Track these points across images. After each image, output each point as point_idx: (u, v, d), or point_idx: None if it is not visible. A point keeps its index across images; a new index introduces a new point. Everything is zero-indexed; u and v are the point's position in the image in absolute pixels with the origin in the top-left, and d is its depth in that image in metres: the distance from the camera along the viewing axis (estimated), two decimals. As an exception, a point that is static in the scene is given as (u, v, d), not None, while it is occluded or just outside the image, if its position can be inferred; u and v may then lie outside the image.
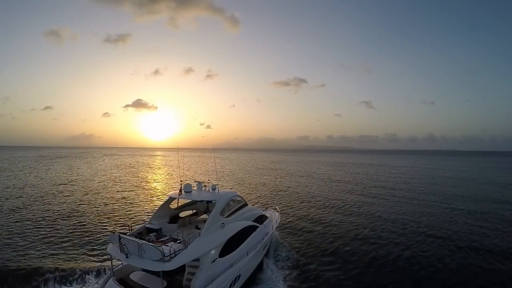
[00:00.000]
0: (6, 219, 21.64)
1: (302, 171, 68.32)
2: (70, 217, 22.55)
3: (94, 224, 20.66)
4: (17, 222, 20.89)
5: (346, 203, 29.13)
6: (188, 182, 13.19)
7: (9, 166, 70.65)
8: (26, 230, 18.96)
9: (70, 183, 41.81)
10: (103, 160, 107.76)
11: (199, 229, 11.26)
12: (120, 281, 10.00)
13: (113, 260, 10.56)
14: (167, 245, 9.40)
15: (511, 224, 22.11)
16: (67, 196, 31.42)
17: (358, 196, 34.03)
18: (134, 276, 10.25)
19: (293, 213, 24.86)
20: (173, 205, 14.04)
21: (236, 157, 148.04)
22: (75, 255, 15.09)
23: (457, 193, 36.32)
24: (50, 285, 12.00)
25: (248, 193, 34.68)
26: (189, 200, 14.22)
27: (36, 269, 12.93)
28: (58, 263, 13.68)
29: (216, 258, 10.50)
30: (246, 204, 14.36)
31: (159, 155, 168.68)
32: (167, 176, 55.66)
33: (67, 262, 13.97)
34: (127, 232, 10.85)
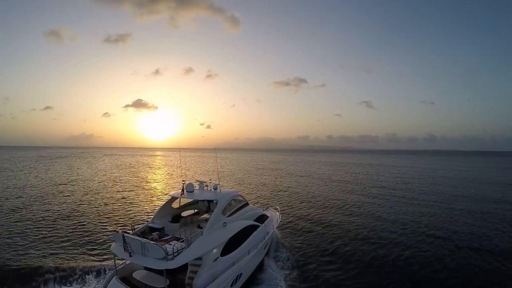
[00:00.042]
0: (6, 219, 21.66)
1: (302, 171, 68.34)
2: (70, 217, 22.56)
3: (94, 224, 20.67)
4: (17, 222, 20.91)
5: (346, 203, 29.14)
6: (190, 182, 13.26)
7: (9, 166, 70.68)
8: (26, 230, 18.97)
9: (70, 183, 41.82)
10: (103, 160, 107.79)
11: (201, 228, 11.34)
12: (123, 279, 10.08)
13: (116, 259, 10.63)
14: (170, 244, 9.48)
15: (511, 224, 22.13)
16: (67, 196, 31.44)
17: (358, 196, 34.04)
18: (137, 275, 10.31)
19: (293, 213, 24.88)
20: (175, 204, 14.11)
21: (236, 157, 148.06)
22: (75, 255, 15.09)
23: (457, 193, 36.34)
24: (50, 285, 12.00)
25: (248, 193, 34.68)
26: (191, 200, 14.28)
27: (36, 268, 12.95)
28: (58, 263, 13.69)
29: (218, 257, 10.58)
30: (247, 204, 14.44)
31: (159, 155, 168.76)
32: (168, 176, 55.68)
33: (67, 262, 13.98)
34: (130, 231, 10.95)
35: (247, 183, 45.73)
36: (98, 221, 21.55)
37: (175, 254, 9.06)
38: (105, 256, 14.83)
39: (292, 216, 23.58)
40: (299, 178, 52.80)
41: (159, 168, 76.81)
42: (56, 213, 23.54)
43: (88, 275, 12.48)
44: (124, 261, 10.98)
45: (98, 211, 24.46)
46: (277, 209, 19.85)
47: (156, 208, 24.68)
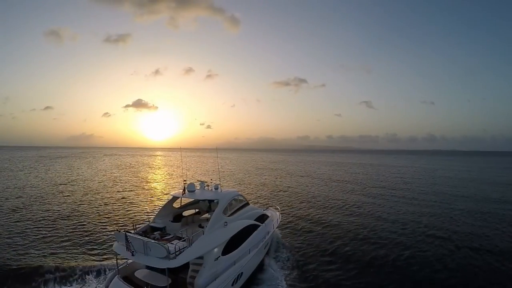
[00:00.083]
0: (6, 219, 21.65)
1: (302, 171, 68.34)
2: (70, 217, 22.56)
3: (94, 224, 20.67)
4: (17, 222, 20.90)
5: (346, 203, 29.14)
6: (190, 181, 13.29)
7: (9, 166, 70.65)
8: (26, 230, 18.97)
9: (70, 183, 41.82)
10: (104, 160, 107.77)
11: (202, 227, 11.38)
12: (125, 278, 10.12)
13: (117, 258, 10.67)
14: (172, 243, 9.52)
15: (511, 224, 22.14)
16: (67, 196, 31.43)
17: (358, 196, 34.04)
18: (139, 274, 10.35)
19: (293, 213, 24.88)
20: (176, 204, 14.13)
21: (237, 157, 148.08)
22: (75, 255, 15.09)
23: (457, 193, 36.34)
24: (50, 284, 11.99)
25: (249, 193, 34.68)
26: (192, 200, 14.32)
27: (36, 268, 12.94)
28: (58, 263, 13.69)
29: (219, 256, 10.62)
30: (247, 204, 14.47)
31: (159, 155, 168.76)
32: (168, 176, 55.69)
33: (67, 262, 13.97)
34: (132, 231, 11.00)
35: (247, 183, 45.74)
36: (98, 221, 21.55)
37: (177, 253, 9.11)
38: (105, 256, 14.83)
39: (292, 216, 23.59)
40: (299, 178, 52.81)
41: (159, 168, 76.80)
42: (56, 213, 23.54)
43: (88, 275, 12.47)
44: (125, 260, 11.00)
45: (98, 211, 24.46)
46: (277, 209, 19.88)
47: (156, 208, 24.70)
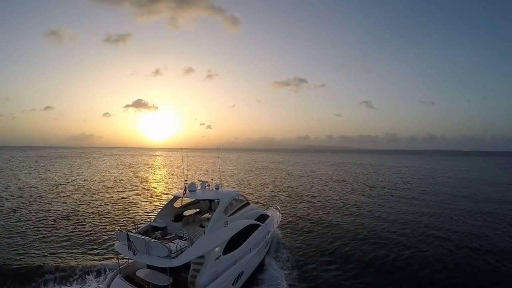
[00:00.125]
0: (6, 219, 21.66)
1: (302, 171, 68.36)
2: (70, 217, 22.57)
3: (94, 224, 20.68)
4: (17, 222, 20.91)
5: (346, 203, 29.15)
6: (191, 181, 13.32)
7: (9, 166, 70.67)
8: (26, 230, 18.97)
9: (70, 183, 41.83)
10: (104, 160, 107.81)
11: (203, 227, 11.43)
12: (127, 278, 10.16)
13: (119, 258, 10.69)
14: (174, 243, 9.56)
15: (511, 224, 22.15)
16: (67, 196, 31.44)
17: (358, 196, 34.06)
18: (141, 273, 10.40)
19: (293, 213, 24.89)
20: (177, 204, 14.17)
21: (237, 157, 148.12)
22: (76, 255, 15.10)
23: (457, 193, 36.35)
24: (50, 284, 12.00)
25: (249, 193, 34.70)
26: (192, 199, 14.36)
27: (36, 268, 12.94)
28: (58, 263, 13.69)
29: (220, 255, 10.67)
30: (248, 203, 14.54)
31: (159, 155, 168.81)
32: (168, 176, 55.72)
33: (67, 262, 13.97)
34: (133, 230, 11.04)
35: (247, 183, 45.76)
36: (98, 221, 21.56)
37: (178, 253, 9.15)
38: (105, 256, 14.84)
39: (292, 216, 23.60)
40: (299, 178, 52.83)
41: (159, 168, 76.84)
42: (56, 213, 23.54)
43: (89, 275, 12.48)
44: (127, 259, 11.02)
45: (98, 211, 24.47)
46: (278, 208, 19.89)
47: (157, 208, 24.72)
